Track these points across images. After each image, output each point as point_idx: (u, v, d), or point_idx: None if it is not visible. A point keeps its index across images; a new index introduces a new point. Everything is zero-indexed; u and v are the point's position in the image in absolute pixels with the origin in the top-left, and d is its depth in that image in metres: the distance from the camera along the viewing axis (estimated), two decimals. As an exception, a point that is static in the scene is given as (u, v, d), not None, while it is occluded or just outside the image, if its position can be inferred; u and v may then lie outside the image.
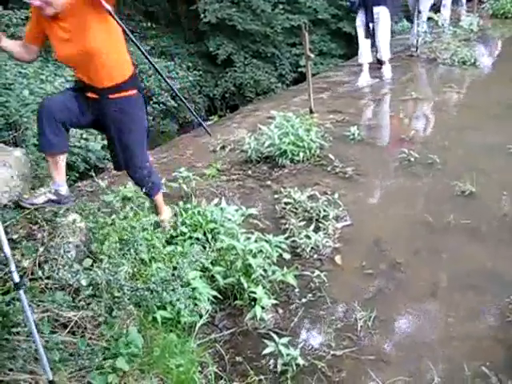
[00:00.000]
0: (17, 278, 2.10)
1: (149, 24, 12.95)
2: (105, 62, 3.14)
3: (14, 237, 2.98)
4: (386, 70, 7.62)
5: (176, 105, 11.56)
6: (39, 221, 3.27)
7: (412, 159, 4.70)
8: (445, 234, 3.65)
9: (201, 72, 12.52)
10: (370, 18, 7.23)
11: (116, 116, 3.26)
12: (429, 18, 8.73)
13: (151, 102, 10.90)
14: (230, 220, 3.36)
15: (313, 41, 13.14)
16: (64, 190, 3.37)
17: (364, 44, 7.45)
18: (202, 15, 12.42)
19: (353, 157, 4.88)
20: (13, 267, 2.10)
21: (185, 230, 3.33)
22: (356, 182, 4.43)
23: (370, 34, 7.34)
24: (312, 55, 6.10)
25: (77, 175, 5.33)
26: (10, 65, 5.78)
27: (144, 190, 3.44)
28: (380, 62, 7.84)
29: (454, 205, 4.00)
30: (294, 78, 12.85)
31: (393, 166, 4.72)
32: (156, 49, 12.59)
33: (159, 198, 3.60)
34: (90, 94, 3.25)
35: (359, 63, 7.68)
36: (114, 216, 3.19)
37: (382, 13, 7.12)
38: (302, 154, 4.65)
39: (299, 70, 12.64)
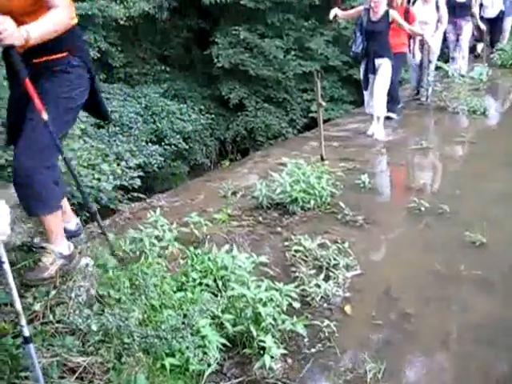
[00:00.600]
0: (27, 333, 2.12)
1: (163, 67, 13.21)
2: None
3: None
4: (378, 131, 7.19)
5: (187, 147, 11.69)
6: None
7: (422, 208, 4.72)
8: (455, 284, 3.64)
9: (213, 115, 12.67)
10: (370, 69, 7.08)
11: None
12: (439, 68, 8.89)
13: (163, 144, 11.03)
14: (240, 267, 3.37)
15: (324, 87, 13.30)
16: (71, 225, 3.40)
17: (366, 95, 7.44)
18: (216, 60, 12.65)
19: (363, 205, 4.90)
20: (23, 322, 2.13)
21: (195, 275, 3.34)
22: (366, 230, 4.44)
23: (367, 86, 7.28)
24: (324, 103, 6.20)
25: (88, 215, 5.35)
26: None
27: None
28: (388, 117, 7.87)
29: (464, 255, 4.00)
30: (305, 124, 12.98)
31: (403, 215, 4.74)
32: (169, 91, 12.79)
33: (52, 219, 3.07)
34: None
35: (366, 112, 7.66)
36: (124, 260, 3.23)
37: (383, 65, 6.97)
38: (312, 202, 4.68)
39: (310, 115, 12.76)
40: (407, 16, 7.59)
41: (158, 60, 13.23)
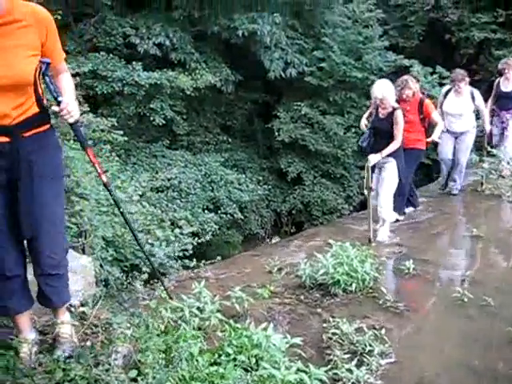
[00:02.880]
0: None
1: (225, 137, 13.66)
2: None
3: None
4: (382, 232, 6.62)
5: (242, 217, 11.90)
6: (94, 328, 3.49)
7: (466, 299, 4.68)
8: (490, 382, 3.59)
9: (270, 187, 12.94)
10: (374, 168, 6.56)
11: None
12: (493, 155, 8.86)
13: (219, 212, 11.27)
14: (274, 346, 3.44)
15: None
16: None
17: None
18: (277, 133, 13.02)
19: (406, 292, 4.92)
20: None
21: (230, 351, 3.42)
22: (406, 318, 4.44)
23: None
24: (374, 187, 6.29)
25: (141, 277, 5.50)
26: (91, 171, 6.23)
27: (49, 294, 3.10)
28: (413, 205, 7.76)
29: (504, 353, 3.94)
30: (361, 201, 13.04)
31: (445, 304, 4.72)
32: (229, 161, 13.17)
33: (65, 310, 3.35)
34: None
35: None
36: (162, 328, 3.36)
37: (388, 166, 6.48)
38: (354, 285, 4.73)
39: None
40: (421, 108, 7.19)
41: (220, 130, 13.70)
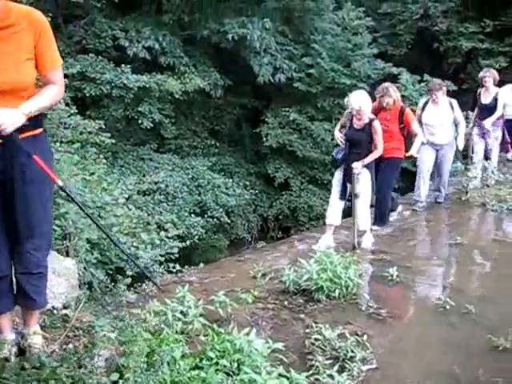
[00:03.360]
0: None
1: (213, 141, 13.72)
2: None
3: (52, 347, 3.18)
4: (366, 240, 6.53)
5: (229, 221, 11.93)
6: (76, 331, 3.49)
7: (448, 307, 4.71)
8: (471, 390, 3.62)
9: (257, 192, 12.99)
10: (349, 177, 6.35)
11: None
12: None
13: (205, 216, 11.28)
14: (256, 351, 3.46)
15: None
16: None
17: (336, 205, 6.57)
18: (265, 138, 13.09)
19: (389, 298, 4.95)
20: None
21: (212, 355, 3.42)
22: (388, 324, 4.47)
23: (345, 197, 6.55)
24: (360, 194, 6.32)
25: (124, 281, 5.49)
26: (77, 173, 6.22)
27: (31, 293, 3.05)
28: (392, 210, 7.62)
29: (485, 360, 3.97)
30: (348, 207, 13.08)
31: (427, 312, 4.75)
32: (217, 165, 13.22)
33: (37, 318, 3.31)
34: None
35: (326, 223, 6.77)
36: (145, 333, 3.36)
37: (362, 175, 6.28)
38: (337, 291, 4.75)
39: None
40: (401, 118, 7.02)
41: (208, 134, 13.77)
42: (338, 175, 6.50)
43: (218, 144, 13.78)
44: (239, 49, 12.58)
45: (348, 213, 6.80)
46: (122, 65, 11.49)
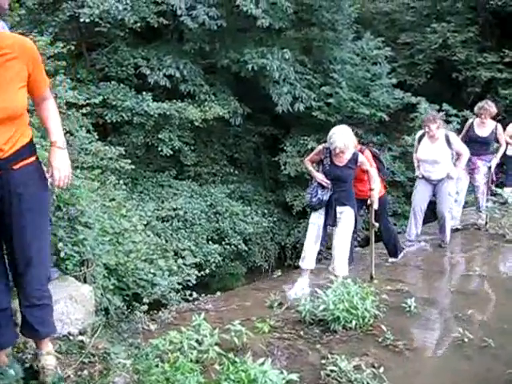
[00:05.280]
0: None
1: (232, 169, 13.78)
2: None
3: (67, 372, 3.20)
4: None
5: (246, 249, 11.93)
6: (91, 357, 3.51)
7: (466, 340, 4.65)
8: (489, 426, 3.57)
9: (275, 219, 12.99)
10: (331, 220, 5.93)
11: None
12: (495, 194, 8.78)
13: (223, 243, 11.30)
14: (271, 381, 3.44)
15: (388, 201, 13.44)
16: None
17: (311, 248, 6.11)
18: (283, 167, 13.12)
19: (406, 330, 4.90)
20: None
21: (227, 385, 3.43)
22: (405, 356, 4.42)
23: (324, 240, 6.16)
24: (376, 224, 6.31)
25: (141, 308, 5.49)
26: (97, 200, 6.27)
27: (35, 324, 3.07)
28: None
29: (503, 395, 3.92)
30: (367, 236, 13.02)
31: (445, 344, 4.71)
32: (235, 193, 13.26)
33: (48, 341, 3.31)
34: None
35: (301, 267, 6.29)
36: (161, 363, 3.37)
37: (345, 214, 5.92)
38: (354, 322, 4.72)
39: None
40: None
41: (227, 161, 13.84)
42: (318, 218, 5.95)
43: (236, 172, 13.84)
44: (259, 78, 12.69)
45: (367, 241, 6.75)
46: (143, 92, 11.65)
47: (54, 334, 3.38)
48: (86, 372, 3.28)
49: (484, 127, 8.34)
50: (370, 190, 6.24)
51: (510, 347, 4.61)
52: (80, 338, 3.77)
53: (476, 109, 8.45)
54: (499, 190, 8.71)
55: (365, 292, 4.94)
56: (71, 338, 3.76)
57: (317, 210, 5.92)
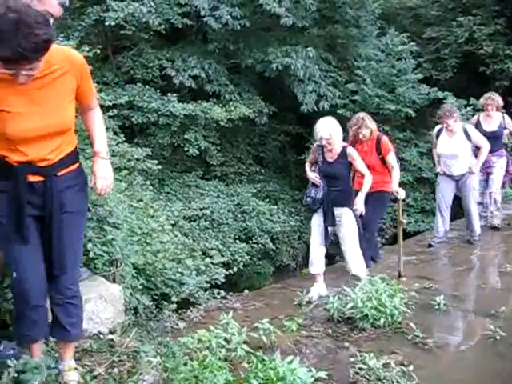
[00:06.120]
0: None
1: (258, 168, 13.80)
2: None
3: (98, 370, 3.24)
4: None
5: (274, 247, 11.93)
6: (121, 355, 3.55)
7: (498, 337, 4.58)
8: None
9: (302, 218, 12.93)
10: (329, 221, 5.67)
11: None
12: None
13: (250, 242, 11.31)
14: (300, 379, 3.44)
15: (416, 198, 13.36)
16: None
17: (317, 251, 5.88)
18: (309, 165, 13.07)
19: (435, 328, 4.85)
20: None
21: (255, 383, 3.42)
22: (435, 354, 4.37)
23: (327, 241, 5.87)
24: (404, 221, 6.31)
25: (169, 307, 5.52)
26: (125, 201, 6.33)
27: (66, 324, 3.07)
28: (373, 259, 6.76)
29: (536, 392, 3.86)
30: (394, 233, 12.95)
31: (476, 342, 4.64)
32: (262, 192, 13.27)
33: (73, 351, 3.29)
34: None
35: (311, 273, 5.99)
36: (190, 361, 3.39)
37: (345, 216, 5.65)
38: (382, 320, 4.69)
39: (400, 226, 12.76)
40: (379, 147, 6.38)
41: (253, 161, 13.87)
42: (318, 220, 5.75)
43: (262, 171, 13.86)
44: (283, 77, 12.67)
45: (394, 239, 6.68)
46: (169, 93, 11.73)
47: (79, 339, 3.40)
48: (116, 370, 3.32)
49: (491, 121, 8.14)
50: (389, 181, 6.30)
51: (543, 344, 4.54)
52: (110, 336, 3.82)
53: (482, 100, 8.32)
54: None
55: (393, 289, 4.91)
56: (101, 336, 3.81)
57: (316, 210, 5.74)
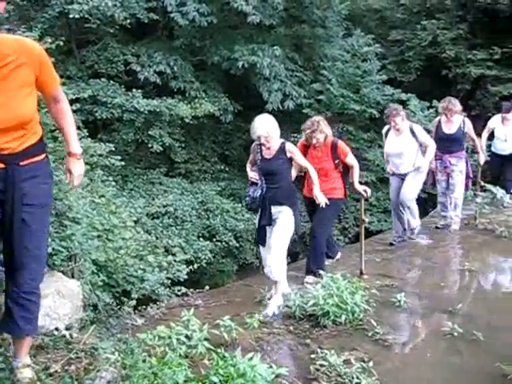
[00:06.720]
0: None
1: (223, 166, 13.75)
2: None
3: (54, 367, 3.17)
4: (272, 304, 5.18)
5: (238, 245, 11.90)
6: (79, 352, 3.49)
7: (455, 334, 4.65)
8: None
9: (266, 217, 12.92)
10: (266, 219, 5.37)
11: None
12: (485, 190, 8.80)
13: (214, 240, 11.27)
14: (260, 376, 3.43)
15: (378, 198, 13.49)
16: None
17: (263, 253, 5.70)
18: (274, 164, 13.08)
19: (395, 325, 4.91)
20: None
21: (216, 379, 3.40)
22: (394, 351, 4.42)
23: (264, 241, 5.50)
24: (366, 219, 6.33)
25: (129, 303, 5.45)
26: (86, 196, 6.24)
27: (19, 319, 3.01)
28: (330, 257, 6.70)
29: (492, 387, 3.92)
30: (357, 232, 13.06)
31: (435, 338, 4.70)
32: (226, 190, 13.24)
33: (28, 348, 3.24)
34: None
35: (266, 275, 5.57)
36: (149, 358, 3.35)
37: (282, 215, 5.37)
38: (344, 317, 4.72)
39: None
40: (335, 152, 6.19)
41: (218, 159, 13.83)
42: (257, 220, 5.57)
43: (227, 169, 13.82)
44: (249, 75, 12.67)
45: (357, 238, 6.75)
46: (134, 89, 11.61)
47: (34, 335, 3.32)
48: (72, 367, 3.26)
49: (451, 124, 8.15)
50: (336, 188, 6.26)
51: (499, 341, 4.61)
52: (67, 332, 3.75)
53: (440, 109, 8.37)
54: (489, 186, 8.75)
55: (354, 287, 4.95)
56: (58, 333, 3.74)
57: (256, 210, 5.51)
